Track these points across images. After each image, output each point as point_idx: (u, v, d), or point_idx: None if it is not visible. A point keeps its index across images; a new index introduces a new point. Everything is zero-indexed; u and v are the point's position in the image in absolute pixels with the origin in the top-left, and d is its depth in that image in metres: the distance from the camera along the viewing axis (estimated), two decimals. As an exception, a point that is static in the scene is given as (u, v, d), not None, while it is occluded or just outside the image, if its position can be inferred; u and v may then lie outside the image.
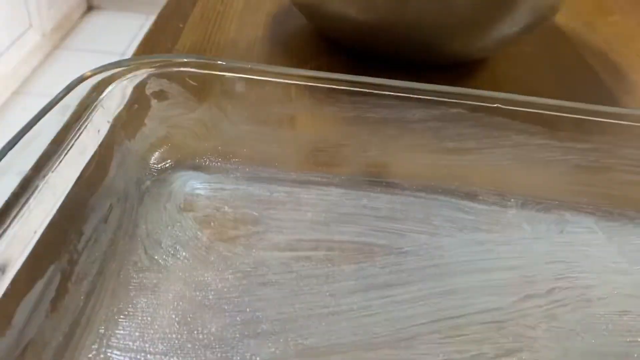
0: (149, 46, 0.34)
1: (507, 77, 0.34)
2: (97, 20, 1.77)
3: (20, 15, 1.47)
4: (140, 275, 0.20)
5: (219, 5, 0.39)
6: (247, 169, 0.25)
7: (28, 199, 0.16)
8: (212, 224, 0.23)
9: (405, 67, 0.32)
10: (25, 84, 1.45)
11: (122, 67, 0.23)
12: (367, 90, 0.24)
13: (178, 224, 0.22)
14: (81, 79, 0.22)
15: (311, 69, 0.24)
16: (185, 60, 0.24)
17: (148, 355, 0.18)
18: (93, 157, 0.20)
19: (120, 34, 1.68)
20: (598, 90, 0.34)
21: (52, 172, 0.17)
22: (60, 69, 1.52)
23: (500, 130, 0.25)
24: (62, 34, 1.66)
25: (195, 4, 0.39)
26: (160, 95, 0.24)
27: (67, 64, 1.55)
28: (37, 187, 0.16)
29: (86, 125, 0.19)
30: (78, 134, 0.19)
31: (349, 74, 0.24)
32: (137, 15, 1.77)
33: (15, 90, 1.42)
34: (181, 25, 0.36)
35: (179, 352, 0.18)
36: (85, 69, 0.22)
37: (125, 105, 0.22)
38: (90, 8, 1.82)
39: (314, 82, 0.24)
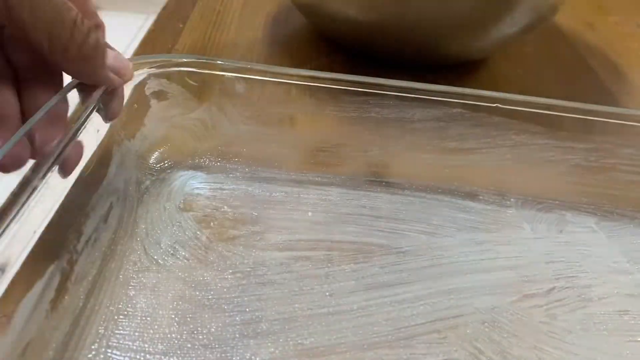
0: (149, 46, 0.34)
1: (507, 77, 0.34)
2: (97, 20, 1.77)
3: (21, 15, 1.47)
4: (140, 275, 0.20)
5: (219, 5, 0.39)
6: (247, 169, 0.25)
7: (28, 199, 0.16)
8: (211, 223, 0.23)
9: (405, 67, 0.32)
10: (26, 84, 1.45)
11: (122, 67, 0.23)
12: (368, 90, 0.24)
13: (178, 223, 0.22)
14: (81, 79, 0.22)
15: (311, 69, 0.24)
16: (185, 60, 0.24)
17: (148, 355, 0.18)
18: (93, 157, 0.20)
19: (120, 34, 1.68)
20: (598, 90, 0.34)
21: (52, 172, 0.17)
22: (60, 69, 1.52)
23: (500, 130, 0.25)
24: (62, 34, 1.65)
25: (195, 4, 0.39)
26: (160, 95, 0.24)
27: (67, 64, 1.55)
28: (36, 187, 0.16)
29: (86, 125, 0.19)
30: (78, 134, 0.19)
31: (349, 74, 0.24)
32: (137, 15, 1.77)
33: (16, 90, 1.41)
34: (181, 25, 0.36)
35: (178, 352, 0.18)
36: (85, 69, 0.22)
37: (125, 105, 0.22)
38: (90, 8, 1.82)
39: (314, 82, 0.24)
